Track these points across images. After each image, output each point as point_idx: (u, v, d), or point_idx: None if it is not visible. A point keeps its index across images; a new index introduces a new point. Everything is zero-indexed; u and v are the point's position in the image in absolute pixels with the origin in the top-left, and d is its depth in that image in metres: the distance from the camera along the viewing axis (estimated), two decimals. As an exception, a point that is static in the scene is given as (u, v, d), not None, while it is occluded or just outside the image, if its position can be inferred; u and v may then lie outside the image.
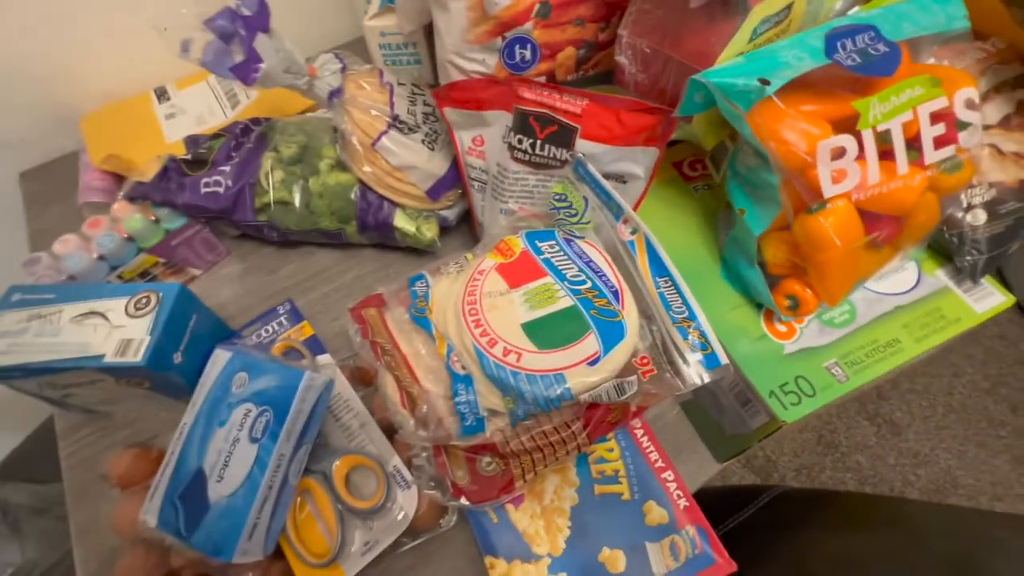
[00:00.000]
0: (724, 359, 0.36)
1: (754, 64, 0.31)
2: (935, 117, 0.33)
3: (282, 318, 0.51)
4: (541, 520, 0.36)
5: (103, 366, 0.42)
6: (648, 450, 0.39)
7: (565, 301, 0.39)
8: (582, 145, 0.41)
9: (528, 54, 0.39)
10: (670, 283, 0.38)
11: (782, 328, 0.39)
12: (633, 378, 0.36)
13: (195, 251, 0.59)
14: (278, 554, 0.39)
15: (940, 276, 0.41)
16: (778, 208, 0.35)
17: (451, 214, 0.57)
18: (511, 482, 0.36)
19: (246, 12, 0.42)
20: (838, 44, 0.32)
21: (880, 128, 0.32)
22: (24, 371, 0.42)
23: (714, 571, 0.34)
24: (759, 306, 0.40)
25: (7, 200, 0.69)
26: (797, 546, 0.44)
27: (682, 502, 0.37)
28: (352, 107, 0.51)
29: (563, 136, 0.41)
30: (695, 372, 0.36)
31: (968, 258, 0.39)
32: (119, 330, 0.43)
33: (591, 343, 0.36)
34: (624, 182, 0.44)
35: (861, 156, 0.32)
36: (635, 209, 0.45)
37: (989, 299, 0.40)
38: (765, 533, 0.48)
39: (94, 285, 0.48)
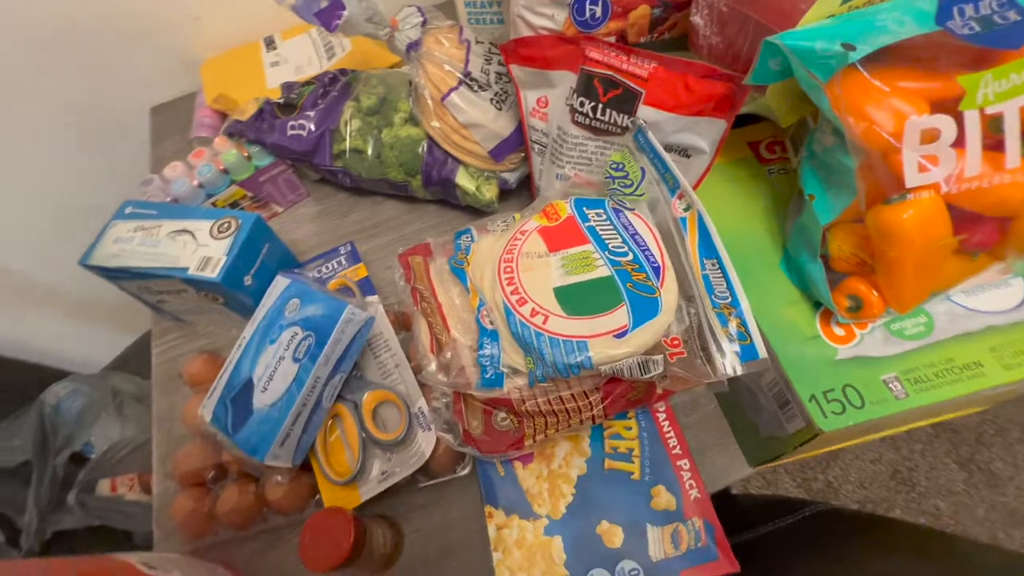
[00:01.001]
0: (763, 353, 0.33)
1: (843, 27, 0.28)
2: (1067, 103, 0.27)
3: (342, 257, 0.54)
4: (546, 483, 0.37)
5: (186, 278, 0.47)
6: (668, 435, 0.37)
7: (602, 270, 0.38)
8: (645, 112, 0.39)
9: (599, 10, 0.38)
10: (717, 266, 0.36)
11: (839, 331, 0.35)
12: (659, 358, 0.35)
13: (279, 189, 0.64)
14: (307, 468, 0.43)
15: (1054, 299, 0.35)
16: (852, 196, 0.31)
17: (512, 177, 0.58)
18: (521, 440, 0.37)
19: (335, -39, 0.45)
20: (954, 9, 0.27)
21: (990, 111, 0.27)
22: (128, 274, 0.49)
23: (714, 567, 0.32)
24: (817, 304, 0.37)
25: (139, 129, 0.79)
26: (831, 562, 0.41)
27: (693, 493, 0.35)
28: (427, 61, 0.52)
29: (626, 101, 0.39)
30: (728, 362, 0.34)
31: (1094, 281, 0.33)
32: (203, 248, 0.48)
33: (621, 315, 0.36)
34: (687, 156, 0.41)
35: (960, 142, 0.27)
36: (697, 186, 0.42)
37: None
38: (798, 544, 0.45)
39: (190, 207, 0.54)
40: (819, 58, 0.27)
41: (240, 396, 0.41)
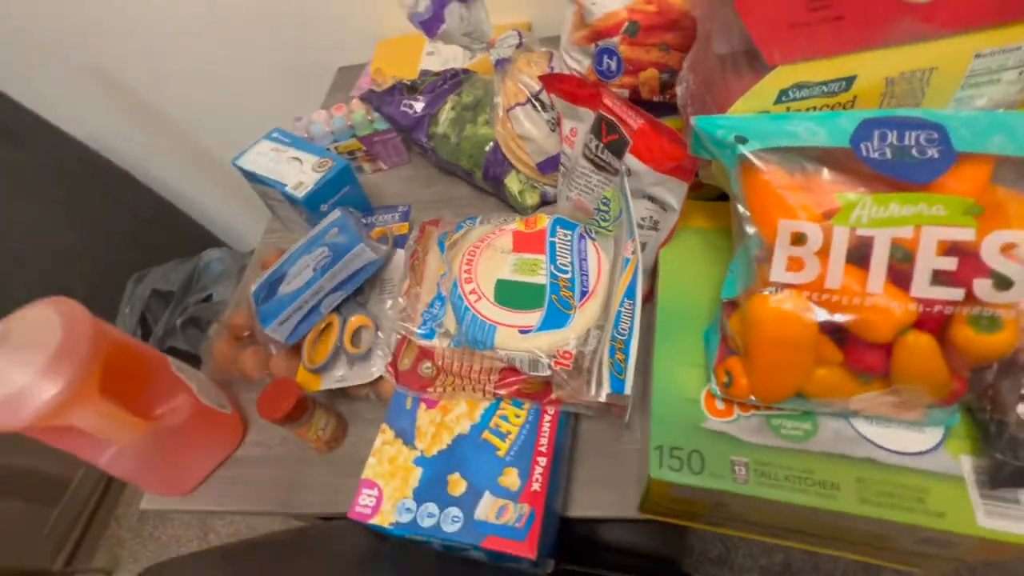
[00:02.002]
0: (628, 391, 0.37)
1: (750, 122, 0.30)
2: (947, 247, 0.26)
3: (397, 214, 0.67)
4: (434, 428, 0.44)
5: (283, 192, 0.64)
6: (543, 434, 0.42)
7: (541, 279, 0.44)
8: (630, 160, 0.44)
9: (613, 65, 0.43)
10: (631, 307, 0.40)
11: (720, 405, 0.37)
12: (546, 361, 0.40)
13: (387, 150, 0.79)
14: (297, 350, 0.56)
15: (963, 463, 0.32)
16: (752, 279, 0.33)
17: (554, 192, 0.64)
18: (428, 386, 0.45)
19: (451, -16, 0.56)
20: (874, 132, 0.28)
21: (861, 232, 0.27)
22: (255, 178, 0.67)
23: (513, 545, 0.37)
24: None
25: (323, 82, 1.01)
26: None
27: (536, 484, 0.40)
28: (509, 76, 0.61)
29: (619, 146, 0.44)
30: (601, 389, 0.38)
31: (998, 455, 0.29)
32: (303, 175, 0.64)
33: (533, 318, 0.41)
34: (665, 210, 0.45)
35: (825, 253, 0.28)
36: (667, 240, 0.45)
37: (1007, 521, 0.30)
38: None
39: (312, 144, 0.71)
40: (718, 143, 0.30)
41: (275, 282, 0.56)
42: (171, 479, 0.52)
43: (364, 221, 0.66)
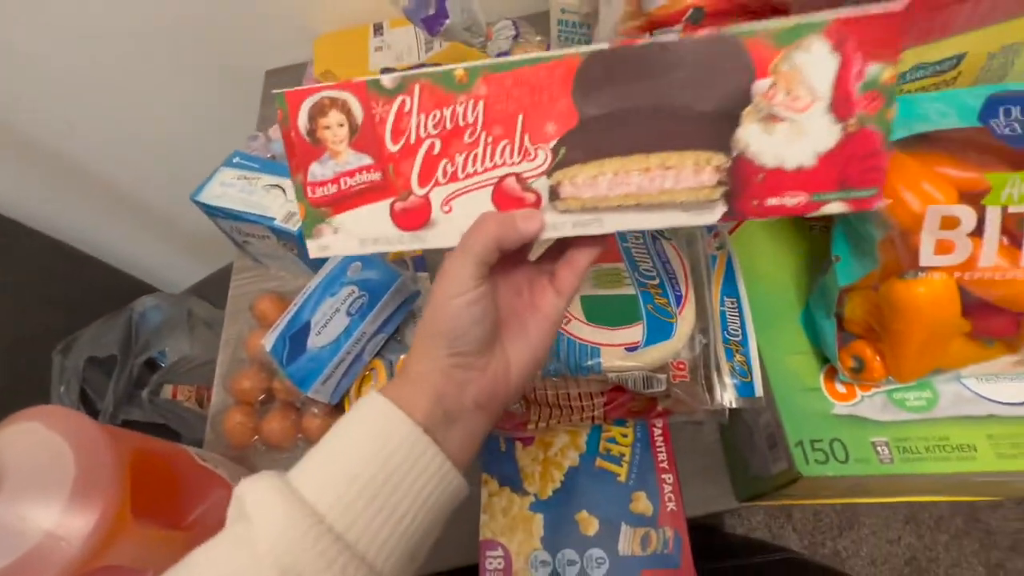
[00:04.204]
0: (759, 392, 0.36)
1: None
2: (1094, 215, 0.28)
3: (403, 234, 0.60)
4: (540, 466, 0.41)
5: (272, 226, 0.55)
6: (659, 449, 0.41)
7: (628, 289, 0.41)
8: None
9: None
10: (735, 304, 0.39)
11: (841, 389, 0.37)
12: (663, 377, 0.38)
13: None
14: (340, 409, 0.49)
15: (1068, 401, 0.35)
16: (873, 264, 0.33)
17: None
18: (524, 424, 0.41)
19: (449, -26, 0.50)
20: (1000, 109, 0.29)
21: (1013, 210, 0.28)
22: (225, 214, 0.57)
23: (673, 574, 0.35)
24: (824, 360, 0.38)
25: (252, 88, 0.89)
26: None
27: (671, 505, 0.38)
28: (512, 71, 0.57)
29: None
30: (726, 395, 0.37)
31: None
32: (290, 204, 0.56)
33: (635, 332, 0.39)
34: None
35: (978, 233, 0.29)
36: (735, 229, 0.45)
37: None
38: None
39: (284, 166, 0.62)
40: (856, 134, 0.30)
41: (298, 335, 0.48)
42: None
43: (369, 247, 0.59)
